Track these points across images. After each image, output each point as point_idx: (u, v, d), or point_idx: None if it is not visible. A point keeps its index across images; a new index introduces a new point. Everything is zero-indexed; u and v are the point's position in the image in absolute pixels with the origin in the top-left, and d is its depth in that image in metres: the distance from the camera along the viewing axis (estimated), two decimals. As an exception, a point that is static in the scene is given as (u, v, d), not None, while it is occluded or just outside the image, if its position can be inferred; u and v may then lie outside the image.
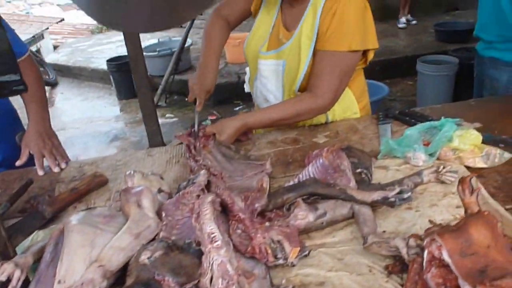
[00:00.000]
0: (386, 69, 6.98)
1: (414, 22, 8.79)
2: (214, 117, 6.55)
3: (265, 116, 2.06)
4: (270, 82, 2.23)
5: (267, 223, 1.38)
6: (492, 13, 2.62)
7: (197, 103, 2.19)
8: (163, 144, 5.52)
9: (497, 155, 1.70)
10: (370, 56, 2.13)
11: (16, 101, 2.36)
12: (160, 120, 5.75)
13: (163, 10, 1.36)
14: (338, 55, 2.00)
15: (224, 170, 1.70)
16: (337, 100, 2.10)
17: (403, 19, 8.76)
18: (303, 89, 2.12)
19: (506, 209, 1.48)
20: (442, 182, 1.61)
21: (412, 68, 5.96)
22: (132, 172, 1.59)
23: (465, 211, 1.26)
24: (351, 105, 2.25)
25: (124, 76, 7.13)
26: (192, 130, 1.98)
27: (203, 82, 2.23)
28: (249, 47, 2.31)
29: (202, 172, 1.52)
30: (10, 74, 1.95)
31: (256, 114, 2.10)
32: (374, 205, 1.48)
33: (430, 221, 1.44)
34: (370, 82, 5.34)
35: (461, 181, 1.27)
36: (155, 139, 5.53)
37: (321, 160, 1.66)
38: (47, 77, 8.93)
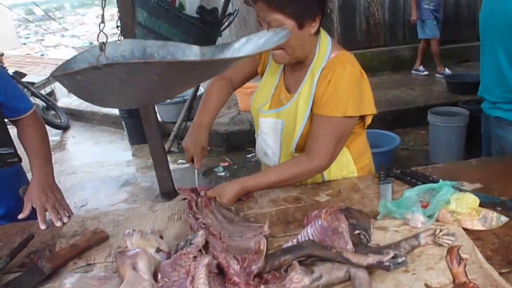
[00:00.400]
0: (398, 118, 7.07)
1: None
2: (226, 164, 6.61)
3: (264, 179, 2.11)
4: (270, 138, 2.31)
5: (262, 286, 1.39)
6: (493, 76, 2.67)
7: (195, 161, 2.28)
8: (174, 191, 5.56)
9: (494, 219, 1.72)
10: (368, 120, 2.21)
11: (22, 154, 2.41)
12: (172, 166, 5.80)
13: (149, 93, 1.40)
14: (333, 120, 2.06)
15: (223, 230, 1.72)
16: (333, 161, 2.16)
17: (447, 71, 8.87)
18: (299, 148, 2.19)
19: (502, 273, 1.49)
20: (440, 245, 1.62)
21: (424, 118, 6.02)
22: (131, 231, 1.61)
23: (453, 281, 1.27)
24: (348, 164, 2.30)
25: (136, 122, 7.11)
26: (195, 187, 2.02)
27: (197, 140, 2.32)
28: (253, 105, 2.40)
29: (200, 232, 1.54)
30: (4, 147, 2.01)
31: (255, 178, 2.14)
32: (370, 268, 1.50)
33: (426, 285, 1.45)
34: (382, 132, 5.48)
35: (449, 251, 1.29)
36: (166, 185, 5.59)
37: (320, 222, 1.67)
38: (59, 121, 9.04)
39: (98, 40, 1.40)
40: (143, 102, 1.95)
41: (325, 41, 2.16)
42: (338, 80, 2.05)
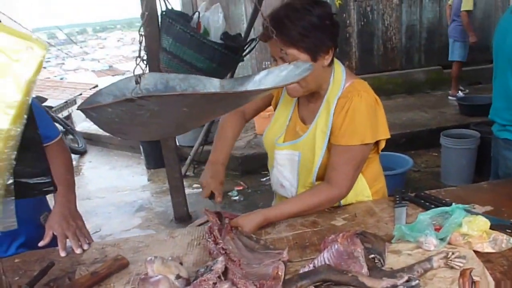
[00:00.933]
0: (411, 141, 7.14)
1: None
2: (241, 188, 6.64)
3: (286, 210, 2.17)
4: (286, 170, 2.35)
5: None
6: (503, 99, 2.74)
7: (216, 195, 2.31)
8: (189, 215, 5.61)
9: (504, 241, 1.76)
10: (382, 145, 2.26)
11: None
12: (187, 190, 5.86)
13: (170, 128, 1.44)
14: (352, 149, 2.12)
15: (243, 257, 1.76)
16: (352, 187, 2.21)
17: (460, 94, 8.93)
18: (319, 178, 2.24)
19: (511, 295, 1.53)
20: (452, 268, 1.66)
21: (436, 140, 6.10)
22: (152, 258, 1.64)
23: (465, 303, 1.32)
24: (363, 189, 2.34)
25: (154, 146, 7.20)
26: (219, 211, 2.08)
27: (216, 176, 2.37)
28: (267, 137, 2.45)
29: (220, 259, 1.58)
30: (42, 176, 2.07)
31: (277, 209, 2.20)
32: (385, 291, 1.55)
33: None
34: (395, 155, 5.55)
35: (462, 273, 1.34)
36: (181, 210, 5.66)
37: (336, 246, 1.72)
38: (76, 145, 9.09)
39: (134, 74, 1.44)
40: (168, 133, 1.99)
41: (339, 70, 2.22)
42: (356, 109, 2.11)
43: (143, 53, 1.44)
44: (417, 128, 7.50)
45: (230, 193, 6.46)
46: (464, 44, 8.66)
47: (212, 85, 1.68)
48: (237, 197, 6.39)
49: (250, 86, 1.60)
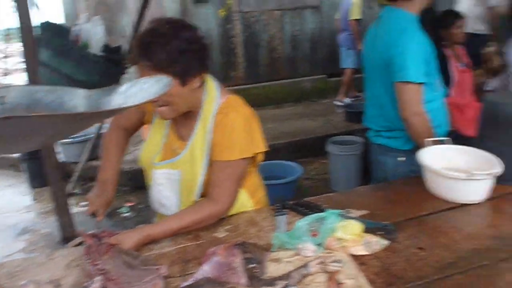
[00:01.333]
0: (300, 149, 7.25)
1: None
2: (131, 204, 6.49)
3: (168, 227, 2.12)
4: (166, 189, 2.32)
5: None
6: (376, 107, 2.87)
7: (98, 214, 2.28)
8: (76, 236, 5.40)
9: (376, 243, 1.85)
10: (259, 158, 2.29)
11: None
12: (75, 209, 5.65)
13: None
14: (232, 164, 2.15)
15: (122, 275, 1.73)
16: (234, 202, 2.23)
17: (347, 100, 9.18)
18: (203, 196, 2.23)
19: (384, 295, 1.60)
20: (329, 272, 1.71)
21: (324, 148, 6.20)
22: (26, 282, 1.60)
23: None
24: (245, 202, 2.36)
25: (37, 164, 6.80)
26: (96, 232, 2.03)
27: (102, 195, 2.34)
28: (143, 156, 2.41)
29: (97, 278, 1.57)
30: None
31: (159, 226, 2.15)
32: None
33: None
34: (285, 163, 5.62)
35: (329, 277, 1.39)
36: (67, 231, 5.43)
37: (216, 258, 1.74)
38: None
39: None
40: (39, 146, 1.93)
41: (212, 87, 2.22)
42: (233, 124, 2.13)
43: (19, 66, 1.41)
44: (305, 136, 7.61)
45: (119, 210, 6.27)
46: (356, 51, 8.92)
47: (80, 95, 1.65)
48: (128, 214, 6.19)
49: (116, 97, 1.58)
